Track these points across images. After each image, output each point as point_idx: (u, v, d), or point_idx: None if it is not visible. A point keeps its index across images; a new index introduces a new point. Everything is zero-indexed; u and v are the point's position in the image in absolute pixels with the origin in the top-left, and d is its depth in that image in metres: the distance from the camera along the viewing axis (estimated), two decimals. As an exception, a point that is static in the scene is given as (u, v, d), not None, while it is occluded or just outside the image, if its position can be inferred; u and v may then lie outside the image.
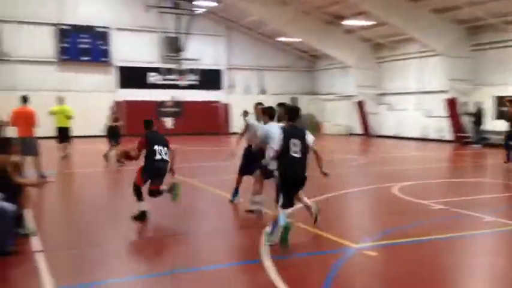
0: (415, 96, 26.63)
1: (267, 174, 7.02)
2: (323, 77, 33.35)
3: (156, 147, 7.48)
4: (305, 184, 6.13)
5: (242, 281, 4.99)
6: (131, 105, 28.10)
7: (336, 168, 14.35)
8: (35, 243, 6.05)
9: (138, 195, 7.34)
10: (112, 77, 28.52)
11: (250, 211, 7.78)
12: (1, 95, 24.69)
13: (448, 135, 24.25)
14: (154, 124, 8.14)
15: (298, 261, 5.50)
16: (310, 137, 6.05)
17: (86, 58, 27.60)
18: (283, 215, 5.79)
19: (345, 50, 28.19)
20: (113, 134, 15.97)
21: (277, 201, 5.94)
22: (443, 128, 24.62)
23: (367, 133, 28.77)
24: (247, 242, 6.35)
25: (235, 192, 8.65)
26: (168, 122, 29.67)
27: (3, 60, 26.09)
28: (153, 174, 7.39)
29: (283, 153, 5.81)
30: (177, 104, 29.53)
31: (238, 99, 30.67)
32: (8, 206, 5.68)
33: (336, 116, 31.88)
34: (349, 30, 27.24)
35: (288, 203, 5.88)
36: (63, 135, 16.45)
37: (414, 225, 7.15)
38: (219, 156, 18.44)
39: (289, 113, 6.08)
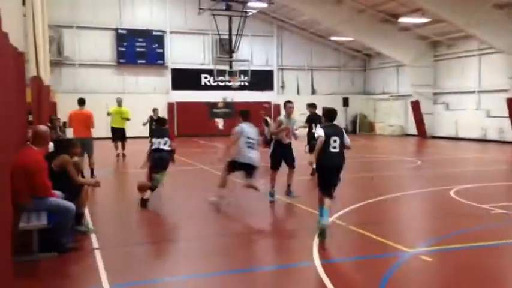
0: (473, 96, 25.53)
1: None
2: (376, 76, 32.67)
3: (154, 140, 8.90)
4: (339, 174, 6.76)
5: (294, 283, 4.93)
6: (182, 106, 28.67)
7: (391, 170, 14.00)
8: (93, 240, 6.26)
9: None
10: (166, 79, 29.23)
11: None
12: (63, 97, 25.82)
13: (509, 136, 23.04)
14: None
15: (351, 265, 5.42)
16: (346, 136, 6.90)
17: (142, 61, 28.44)
18: (326, 212, 6.36)
19: (400, 48, 27.44)
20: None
21: (320, 189, 6.71)
22: (504, 129, 23.43)
23: (423, 134, 27.86)
24: (298, 244, 6.29)
25: (272, 190, 9.02)
26: (220, 123, 30.04)
27: (64, 64, 27.36)
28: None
29: (324, 148, 6.63)
30: (229, 105, 29.84)
31: (290, 99, 30.55)
32: (70, 204, 5.90)
33: (389, 116, 31.12)
34: (405, 28, 26.51)
35: (326, 189, 6.62)
36: (119, 135, 17.29)
37: (472, 230, 6.83)
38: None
39: (328, 115, 6.92)
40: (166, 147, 8.81)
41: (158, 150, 8.81)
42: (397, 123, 30.31)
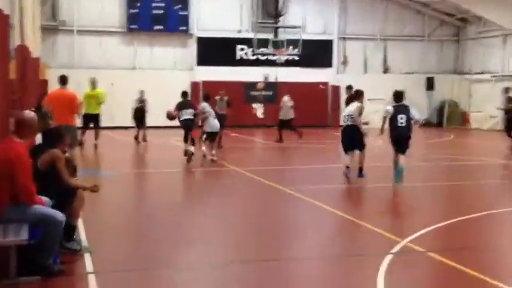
0: None
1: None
2: (473, 49, 31.90)
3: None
4: (408, 142, 11.79)
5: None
6: (211, 87, 28.72)
7: (489, 178, 13.66)
8: (86, 262, 6.37)
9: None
10: (191, 51, 29.52)
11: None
12: (57, 74, 26.51)
13: None
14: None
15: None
16: (414, 112, 11.89)
17: (159, 27, 28.86)
18: (400, 162, 11.73)
19: (509, 10, 26.61)
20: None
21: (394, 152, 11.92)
22: None
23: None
24: (361, 273, 6.23)
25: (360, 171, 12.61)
26: (259, 109, 30.04)
27: (60, 30, 28.02)
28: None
29: (393, 123, 11.68)
30: (271, 86, 29.83)
31: (354, 79, 30.23)
32: (59, 214, 5.99)
33: (489, 104, 30.29)
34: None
35: (397, 151, 11.85)
36: (92, 122, 18.49)
37: None
38: (324, 156, 18.34)
39: (396, 96, 12.10)
40: (191, 116, 15.64)
41: (185, 120, 15.63)
42: (501, 114, 29.42)
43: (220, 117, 17.09)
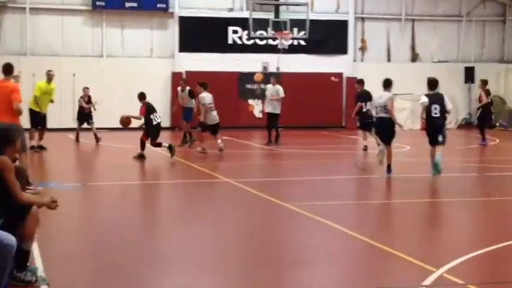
0: None
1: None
2: (522, 32, 31.97)
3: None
4: (441, 131, 14.06)
5: None
6: (196, 79, 28.66)
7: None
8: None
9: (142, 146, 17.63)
10: (171, 34, 29.56)
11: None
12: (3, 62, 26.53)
13: None
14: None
15: None
16: (447, 101, 14.18)
17: (132, 4, 28.81)
18: (437, 153, 13.89)
19: None
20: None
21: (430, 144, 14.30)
22: None
23: None
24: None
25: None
26: (256, 107, 30.05)
27: (9, 7, 27.92)
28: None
29: (427, 113, 13.95)
30: (271, 78, 29.81)
31: (374, 69, 30.29)
32: (8, 238, 5.96)
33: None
34: None
35: (432, 142, 14.17)
36: (40, 121, 19.44)
37: None
38: (335, 165, 18.36)
39: (430, 84, 14.43)
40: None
41: (158, 124, 18.14)
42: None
43: (186, 112, 19.52)
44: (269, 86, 23.62)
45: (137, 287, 6.99)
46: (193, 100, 21.43)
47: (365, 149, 20.00)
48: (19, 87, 12.48)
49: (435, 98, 14.11)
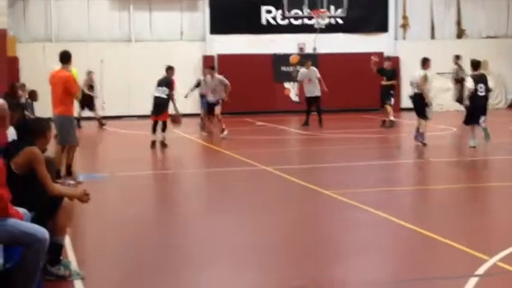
0: None
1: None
2: None
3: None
4: (486, 111, 16.09)
5: None
6: (228, 62, 28.81)
7: None
8: (77, 290, 6.43)
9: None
10: (201, 16, 29.63)
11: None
12: (29, 49, 26.80)
13: None
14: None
15: None
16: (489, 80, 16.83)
17: (159, -15, 28.96)
18: (482, 125, 16.06)
19: None
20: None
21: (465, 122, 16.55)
22: None
23: None
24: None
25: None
26: (292, 91, 29.96)
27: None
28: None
29: (474, 93, 15.90)
30: (309, 59, 29.67)
31: (417, 48, 30.03)
32: (41, 230, 6.02)
33: None
34: None
35: (473, 121, 16.15)
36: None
37: None
38: (376, 150, 18.27)
39: (473, 65, 16.50)
40: (162, 95, 18.15)
41: (155, 97, 18.40)
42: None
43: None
44: (303, 70, 23.81)
45: (172, 283, 7.02)
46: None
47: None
48: (73, 77, 12.47)
49: (480, 78, 16.30)
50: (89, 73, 23.73)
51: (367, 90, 29.67)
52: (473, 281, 6.48)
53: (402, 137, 20.61)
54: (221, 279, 7.04)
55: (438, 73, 29.04)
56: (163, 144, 17.91)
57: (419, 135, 17.04)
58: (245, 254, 8.09)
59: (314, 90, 23.31)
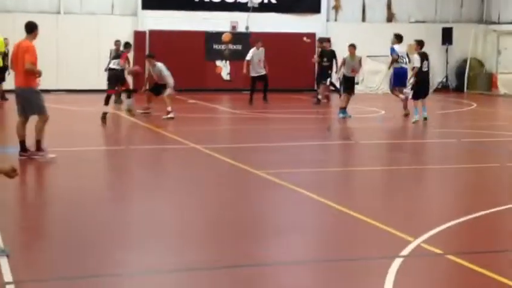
0: None
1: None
2: (503, -9, 32.15)
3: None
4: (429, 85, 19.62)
5: None
6: (160, 38, 28.61)
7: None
8: (3, 269, 6.31)
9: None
10: (133, -10, 29.24)
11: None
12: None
13: None
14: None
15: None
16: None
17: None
18: (419, 107, 18.44)
19: None
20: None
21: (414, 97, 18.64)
22: None
23: None
24: (365, 281, 6.38)
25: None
26: (224, 69, 29.96)
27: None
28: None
29: (419, 69, 18.51)
30: (241, 37, 29.74)
31: (348, 30, 30.34)
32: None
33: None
34: None
35: (421, 96, 18.48)
36: None
37: None
38: (308, 130, 18.43)
39: (419, 44, 18.99)
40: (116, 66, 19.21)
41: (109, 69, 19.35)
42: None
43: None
44: (254, 50, 24.28)
45: (102, 262, 6.99)
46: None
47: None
48: (33, 47, 12.19)
49: (425, 55, 18.78)
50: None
51: (298, 71, 29.93)
52: (398, 261, 6.64)
53: (334, 118, 20.80)
54: (151, 259, 7.05)
55: (368, 56, 29.46)
56: (131, 112, 18.82)
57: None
58: (174, 233, 8.12)
59: (262, 69, 24.05)
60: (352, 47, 20.24)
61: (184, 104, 22.47)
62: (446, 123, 20.23)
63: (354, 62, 20.17)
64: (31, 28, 12.35)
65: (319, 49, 25.12)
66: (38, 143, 12.27)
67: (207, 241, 7.77)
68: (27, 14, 26.74)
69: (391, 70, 20.67)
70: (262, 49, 24.37)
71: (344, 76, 20.37)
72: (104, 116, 17.79)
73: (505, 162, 13.48)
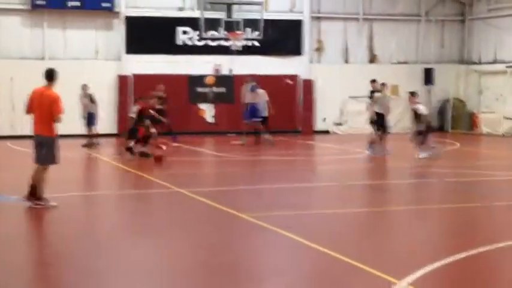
0: None
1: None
2: (483, 32, 32.49)
3: None
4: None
5: None
6: (144, 82, 28.61)
7: (504, 199, 13.91)
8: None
9: None
10: (118, 35, 29.36)
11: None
12: None
13: None
14: None
15: None
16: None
17: (75, 3, 28.53)
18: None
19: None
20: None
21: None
22: None
23: None
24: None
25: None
26: (208, 112, 30.00)
27: None
28: None
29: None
30: (225, 80, 29.88)
31: (331, 71, 30.58)
32: None
33: (505, 101, 30.95)
34: None
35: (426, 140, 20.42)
36: None
37: None
38: (291, 172, 18.44)
39: (413, 94, 21.10)
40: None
41: None
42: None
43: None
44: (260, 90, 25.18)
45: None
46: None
47: None
48: (57, 97, 12.27)
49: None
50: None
51: (281, 113, 29.92)
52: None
53: (323, 160, 20.85)
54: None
55: (350, 96, 29.68)
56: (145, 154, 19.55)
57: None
58: (156, 278, 8.03)
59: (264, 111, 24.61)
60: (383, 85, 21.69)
61: (167, 147, 22.42)
62: (431, 163, 20.28)
63: (386, 100, 21.65)
64: (52, 76, 12.41)
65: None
66: (35, 189, 12.26)
67: (191, 286, 7.71)
68: (10, 61, 26.99)
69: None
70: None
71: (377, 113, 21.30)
72: (130, 148, 19.31)
73: (489, 201, 13.49)
